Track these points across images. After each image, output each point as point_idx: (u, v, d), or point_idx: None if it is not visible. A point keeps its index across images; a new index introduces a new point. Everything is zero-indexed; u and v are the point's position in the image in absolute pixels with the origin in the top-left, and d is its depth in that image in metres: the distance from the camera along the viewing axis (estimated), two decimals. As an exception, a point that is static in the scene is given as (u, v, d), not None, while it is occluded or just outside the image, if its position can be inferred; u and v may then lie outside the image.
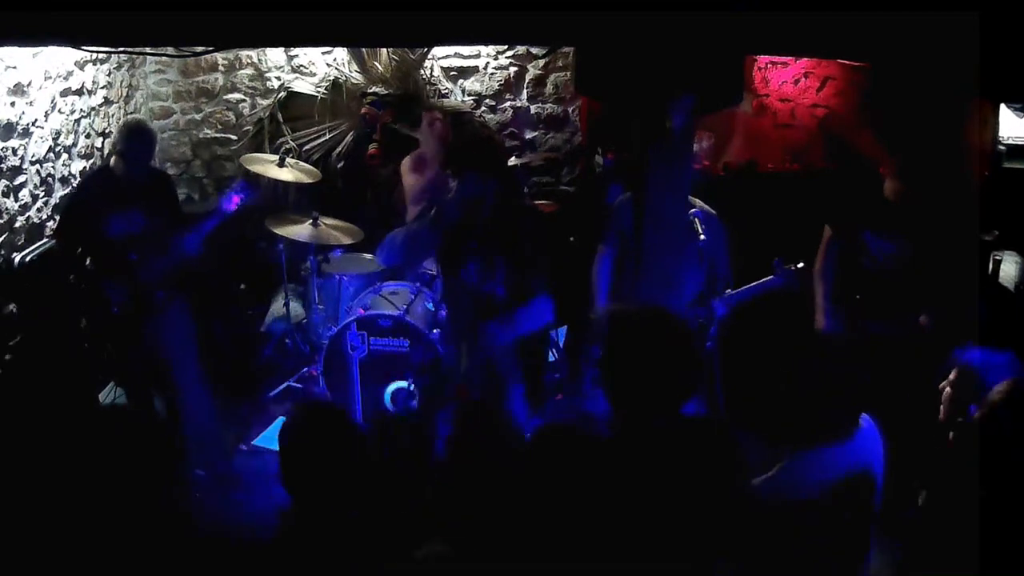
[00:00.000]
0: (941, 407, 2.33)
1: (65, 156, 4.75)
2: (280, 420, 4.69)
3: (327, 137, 5.73)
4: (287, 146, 5.68)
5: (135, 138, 3.77)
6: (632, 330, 2.04)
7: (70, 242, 3.91)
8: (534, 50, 5.58)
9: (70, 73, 4.77)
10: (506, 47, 5.61)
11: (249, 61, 5.73)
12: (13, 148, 4.23)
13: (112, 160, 3.84)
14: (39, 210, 4.48)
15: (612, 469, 1.93)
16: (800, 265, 3.77)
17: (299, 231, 4.71)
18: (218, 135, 5.92)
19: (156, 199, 3.92)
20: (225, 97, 5.84)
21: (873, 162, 4.99)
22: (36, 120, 4.43)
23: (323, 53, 5.62)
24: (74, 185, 4.77)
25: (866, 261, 3.73)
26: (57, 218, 4.55)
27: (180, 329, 4.05)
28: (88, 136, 5.01)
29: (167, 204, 4.02)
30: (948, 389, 2.34)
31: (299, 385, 5.02)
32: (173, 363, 4.04)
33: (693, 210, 3.54)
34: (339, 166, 5.73)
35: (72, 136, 4.82)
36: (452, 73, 5.71)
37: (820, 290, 3.78)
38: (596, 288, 3.96)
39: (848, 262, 3.78)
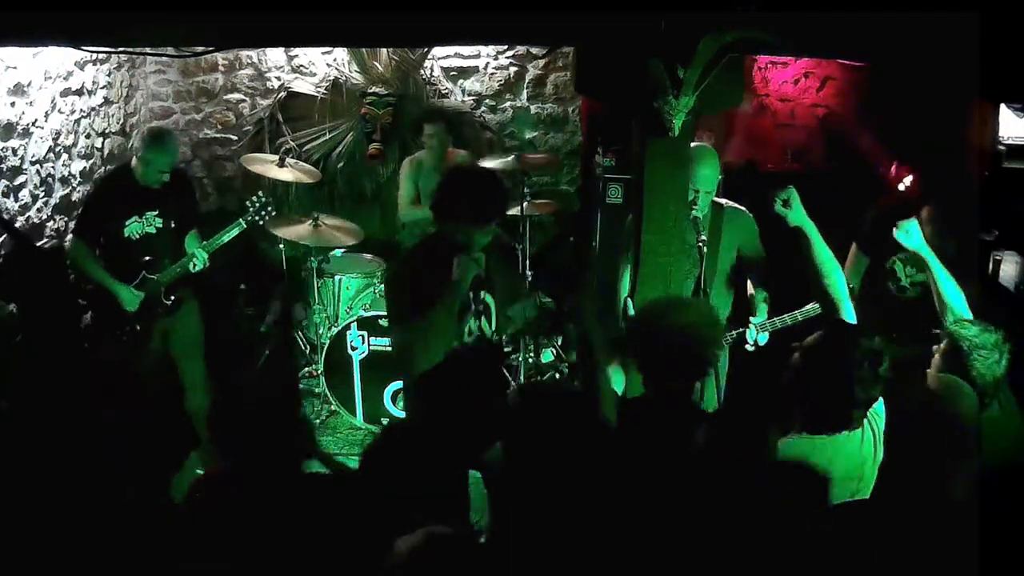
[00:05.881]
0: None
1: (65, 156, 4.75)
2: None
3: (327, 137, 5.73)
4: (287, 146, 5.68)
5: (158, 148, 3.72)
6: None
7: (87, 240, 3.87)
8: (534, 50, 5.58)
9: (70, 73, 4.77)
10: (506, 47, 5.61)
11: (249, 61, 5.72)
12: (13, 148, 4.23)
13: (133, 161, 3.80)
14: (39, 210, 4.48)
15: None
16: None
17: (299, 231, 4.71)
18: (218, 135, 5.92)
19: (175, 201, 3.89)
20: (225, 97, 5.83)
21: (873, 162, 4.99)
22: (36, 120, 4.43)
23: (323, 53, 5.61)
24: (92, 183, 4.77)
25: (893, 286, 3.64)
26: (65, 218, 4.56)
27: (191, 330, 4.05)
28: (88, 136, 5.00)
29: (186, 206, 4.00)
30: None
31: (299, 385, 5.02)
32: (182, 364, 4.04)
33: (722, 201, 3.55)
34: (339, 166, 5.74)
35: (72, 136, 4.82)
36: (452, 73, 5.71)
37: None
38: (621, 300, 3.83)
39: (875, 287, 3.67)
